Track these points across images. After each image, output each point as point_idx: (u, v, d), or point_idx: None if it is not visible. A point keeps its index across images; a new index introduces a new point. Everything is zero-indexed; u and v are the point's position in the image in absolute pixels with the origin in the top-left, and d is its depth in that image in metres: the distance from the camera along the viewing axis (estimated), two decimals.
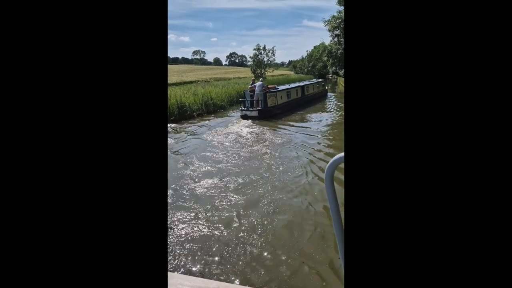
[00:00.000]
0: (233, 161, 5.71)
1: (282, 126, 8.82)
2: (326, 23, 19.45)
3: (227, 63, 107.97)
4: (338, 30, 19.17)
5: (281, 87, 12.20)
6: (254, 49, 22.42)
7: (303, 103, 12.84)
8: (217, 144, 6.96)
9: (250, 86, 10.61)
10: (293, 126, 8.96)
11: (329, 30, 19.46)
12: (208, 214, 3.63)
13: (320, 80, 19.37)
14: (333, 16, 19.08)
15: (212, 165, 5.49)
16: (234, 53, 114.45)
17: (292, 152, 6.12)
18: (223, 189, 4.37)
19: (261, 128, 8.57)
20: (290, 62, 72.78)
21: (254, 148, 6.51)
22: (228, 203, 3.91)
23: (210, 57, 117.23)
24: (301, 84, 14.55)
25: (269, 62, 23.03)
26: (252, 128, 8.61)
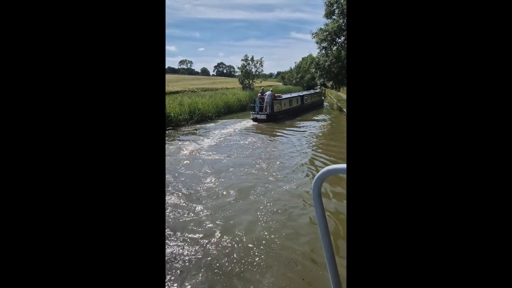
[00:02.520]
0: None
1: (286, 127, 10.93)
2: (314, 35, 20.05)
3: (214, 73, 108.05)
4: (326, 43, 19.77)
5: (284, 96, 14.97)
6: (242, 60, 22.72)
7: (302, 110, 15.58)
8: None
9: (259, 95, 12.95)
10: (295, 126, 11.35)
11: (317, 43, 20.01)
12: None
13: (317, 91, 22.00)
14: (320, 29, 19.66)
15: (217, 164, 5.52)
16: (221, 63, 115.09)
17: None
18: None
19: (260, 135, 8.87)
20: (278, 73, 73.85)
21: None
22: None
23: (197, 67, 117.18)
24: (300, 94, 17.44)
25: (257, 73, 23.35)
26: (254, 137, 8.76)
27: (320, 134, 9.93)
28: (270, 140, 8.59)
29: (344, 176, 0.54)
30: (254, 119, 12.39)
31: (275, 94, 13.34)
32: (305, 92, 19.36)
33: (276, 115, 12.49)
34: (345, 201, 4.11)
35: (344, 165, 0.57)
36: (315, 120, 13.27)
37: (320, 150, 7.21)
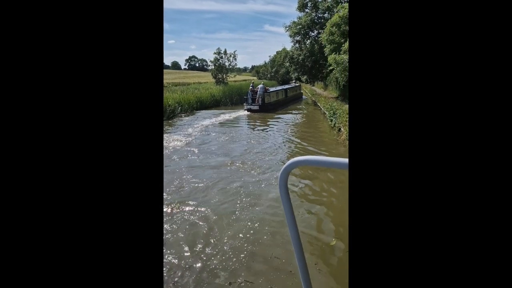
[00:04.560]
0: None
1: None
2: (287, 28, 20.24)
3: (186, 67, 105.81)
4: (299, 36, 20.06)
5: (272, 89, 17.16)
6: (215, 53, 22.37)
7: (286, 102, 17.99)
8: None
9: (251, 88, 15.10)
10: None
11: (290, 36, 20.24)
12: None
13: (297, 85, 24.40)
14: (294, 22, 19.90)
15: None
16: (193, 56, 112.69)
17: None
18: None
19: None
20: (253, 67, 73.80)
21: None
22: None
23: (167, 61, 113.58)
24: (284, 87, 19.79)
25: (230, 66, 23.09)
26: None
27: (300, 122, 11.97)
28: (266, 126, 10.98)
29: (312, 167, 0.55)
30: (248, 110, 14.46)
31: (265, 87, 15.50)
32: (287, 86, 21.51)
33: (267, 106, 14.58)
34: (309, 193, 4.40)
35: (308, 157, 0.58)
36: (296, 110, 15.65)
37: (299, 135, 9.18)
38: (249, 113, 14.15)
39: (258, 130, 10.10)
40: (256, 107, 14.30)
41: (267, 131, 9.79)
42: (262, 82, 16.60)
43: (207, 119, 12.28)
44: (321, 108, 13.80)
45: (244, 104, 15.00)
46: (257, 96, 14.42)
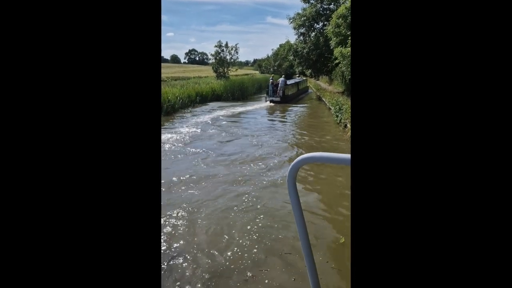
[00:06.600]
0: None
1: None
2: (291, 20, 20.11)
3: (186, 60, 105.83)
4: (303, 28, 19.93)
5: (288, 82, 19.38)
6: (216, 46, 22.30)
7: (298, 95, 20.62)
8: None
9: (271, 81, 17.48)
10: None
11: (294, 28, 20.12)
12: None
13: (304, 79, 27.35)
14: (298, 14, 19.77)
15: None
16: (193, 50, 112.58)
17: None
18: None
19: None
20: (255, 60, 73.56)
21: None
22: None
23: (166, 54, 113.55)
24: (296, 81, 22.30)
25: (232, 60, 23.02)
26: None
27: (309, 113, 13.81)
28: (291, 112, 13.66)
29: (319, 164, 0.55)
30: (271, 101, 16.82)
31: (286, 81, 18.11)
32: (297, 80, 23.94)
33: (286, 98, 17.08)
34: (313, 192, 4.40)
35: (316, 154, 0.59)
36: (306, 102, 18.00)
37: (309, 122, 10.86)
38: (272, 104, 16.36)
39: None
40: (277, 99, 16.63)
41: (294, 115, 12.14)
42: (283, 75, 20.09)
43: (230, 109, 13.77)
44: (326, 103, 13.87)
45: (265, 96, 17.38)
46: (278, 89, 16.77)
